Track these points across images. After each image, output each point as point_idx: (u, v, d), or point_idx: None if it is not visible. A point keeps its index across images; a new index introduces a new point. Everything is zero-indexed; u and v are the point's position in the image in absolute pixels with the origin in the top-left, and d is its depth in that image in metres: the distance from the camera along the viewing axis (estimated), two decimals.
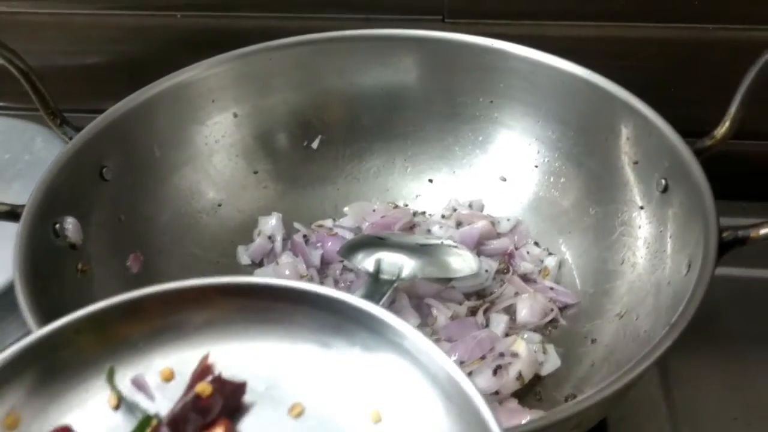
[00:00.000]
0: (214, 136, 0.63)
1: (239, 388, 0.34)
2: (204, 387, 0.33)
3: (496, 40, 0.61)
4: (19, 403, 0.31)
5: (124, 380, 0.32)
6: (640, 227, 0.54)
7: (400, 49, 0.63)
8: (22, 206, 0.49)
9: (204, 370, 0.33)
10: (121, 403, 0.33)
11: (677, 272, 0.48)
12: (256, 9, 0.69)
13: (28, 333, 0.59)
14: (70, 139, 0.55)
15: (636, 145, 0.55)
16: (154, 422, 0.32)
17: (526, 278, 0.59)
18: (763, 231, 0.43)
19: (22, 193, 0.54)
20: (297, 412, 0.34)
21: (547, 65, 0.59)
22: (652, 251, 0.52)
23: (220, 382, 0.32)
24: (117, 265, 0.56)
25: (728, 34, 0.64)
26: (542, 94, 0.60)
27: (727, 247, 0.44)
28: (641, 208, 0.55)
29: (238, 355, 0.34)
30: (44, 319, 0.43)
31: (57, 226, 0.50)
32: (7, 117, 0.80)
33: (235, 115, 0.63)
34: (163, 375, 0.34)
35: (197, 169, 0.62)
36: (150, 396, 0.32)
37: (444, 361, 0.29)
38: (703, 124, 0.54)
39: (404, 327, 0.30)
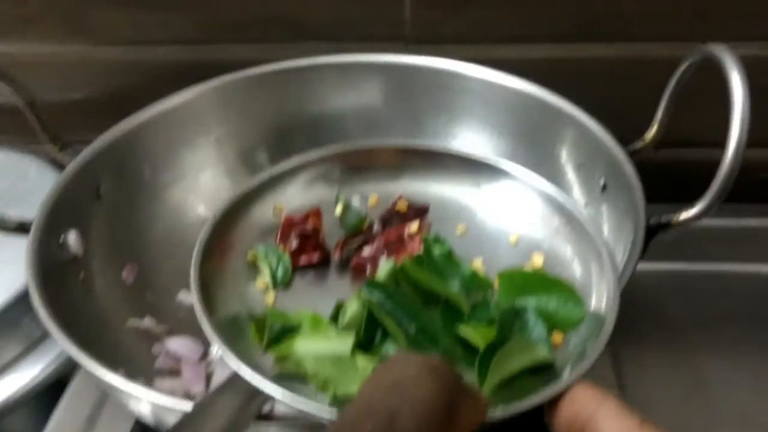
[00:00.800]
0: (200, 157, 0.68)
1: (425, 208, 0.58)
2: (402, 204, 0.58)
3: (452, 61, 0.67)
4: (282, 199, 0.57)
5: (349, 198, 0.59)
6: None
7: (364, 73, 0.69)
8: (31, 221, 0.54)
9: (400, 198, 0.58)
10: (345, 210, 0.58)
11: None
12: (233, 41, 0.74)
13: (31, 344, 0.64)
14: (70, 161, 0.60)
15: (579, 149, 0.61)
16: (367, 221, 0.58)
17: None
18: (684, 216, 0.49)
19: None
20: (461, 230, 0.57)
21: (499, 84, 0.65)
22: None
23: (411, 204, 0.58)
24: (114, 276, 0.61)
25: (664, 51, 0.71)
26: (496, 110, 0.66)
27: (654, 232, 0.50)
28: (586, 205, 0.61)
29: (423, 191, 0.58)
30: (60, 322, 0.48)
31: (61, 239, 0.56)
32: (3, 150, 0.85)
33: (218, 137, 0.69)
34: (373, 199, 0.59)
35: (185, 188, 0.67)
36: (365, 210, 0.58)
37: (549, 187, 0.54)
38: (643, 133, 0.60)
39: (524, 172, 0.56)
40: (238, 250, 0.54)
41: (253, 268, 0.55)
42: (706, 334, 0.65)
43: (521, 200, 0.55)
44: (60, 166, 0.61)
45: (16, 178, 0.79)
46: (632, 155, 0.56)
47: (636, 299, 0.68)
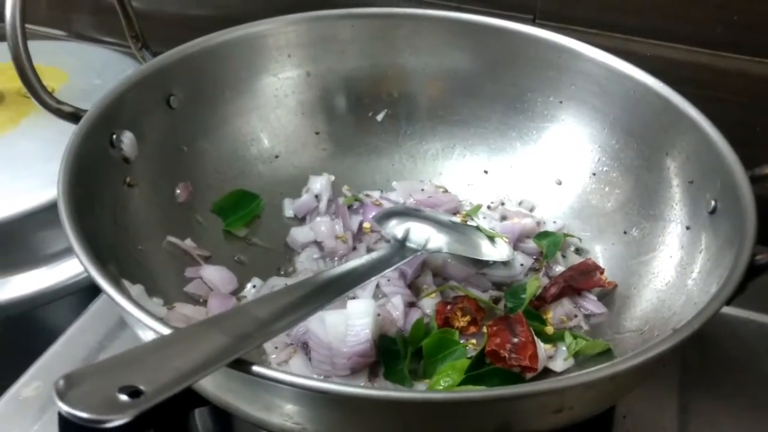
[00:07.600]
0: (284, 90, 0.64)
1: None
2: None
3: (575, 41, 0.60)
4: None
5: None
6: (682, 247, 0.52)
7: (479, 37, 0.63)
8: (85, 110, 0.51)
9: None
10: None
11: (705, 294, 0.46)
12: None
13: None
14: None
15: (694, 163, 0.53)
16: None
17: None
18: None
19: None
20: None
21: (622, 72, 0.58)
22: (688, 272, 0.50)
23: None
24: (165, 188, 0.58)
25: None
26: (612, 101, 0.59)
27: (758, 271, 0.42)
28: (687, 228, 0.52)
29: None
30: (79, 214, 0.45)
31: (114, 136, 0.53)
32: (106, 49, 0.84)
33: (308, 74, 0.65)
34: None
35: (262, 118, 0.64)
36: None
37: None
38: None
39: None
40: None
41: None
42: None
43: None
44: None
45: (113, 78, 0.77)
46: (753, 181, 0.47)
47: (725, 349, 0.60)
